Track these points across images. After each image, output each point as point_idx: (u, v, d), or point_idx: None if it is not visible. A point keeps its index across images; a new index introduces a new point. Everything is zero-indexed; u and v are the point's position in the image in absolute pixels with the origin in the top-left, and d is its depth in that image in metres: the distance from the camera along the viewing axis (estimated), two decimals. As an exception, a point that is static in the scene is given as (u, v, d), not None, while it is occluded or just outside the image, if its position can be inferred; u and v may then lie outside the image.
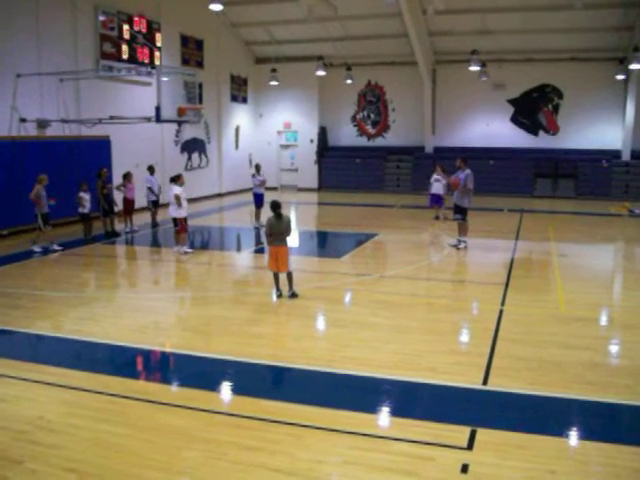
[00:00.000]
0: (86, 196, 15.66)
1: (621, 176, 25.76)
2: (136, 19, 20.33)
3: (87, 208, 15.78)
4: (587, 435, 5.74)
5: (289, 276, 10.44)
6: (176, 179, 14.54)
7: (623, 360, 7.88)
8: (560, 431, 5.76)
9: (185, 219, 14.37)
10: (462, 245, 14.78)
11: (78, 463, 5.16)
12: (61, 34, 17.83)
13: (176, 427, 5.81)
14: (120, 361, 7.86)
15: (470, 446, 5.43)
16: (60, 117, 17.60)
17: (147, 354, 8.06)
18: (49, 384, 6.80)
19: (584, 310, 9.83)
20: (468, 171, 14.45)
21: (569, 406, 6.37)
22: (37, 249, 14.19)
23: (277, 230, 10.28)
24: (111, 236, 16.39)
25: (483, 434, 5.64)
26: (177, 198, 14.11)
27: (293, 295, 10.38)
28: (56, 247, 14.47)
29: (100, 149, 18.99)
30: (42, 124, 17.23)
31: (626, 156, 25.99)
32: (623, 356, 8.04)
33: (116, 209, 16.83)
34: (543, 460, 5.20)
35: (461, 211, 14.70)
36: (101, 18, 18.93)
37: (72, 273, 12.65)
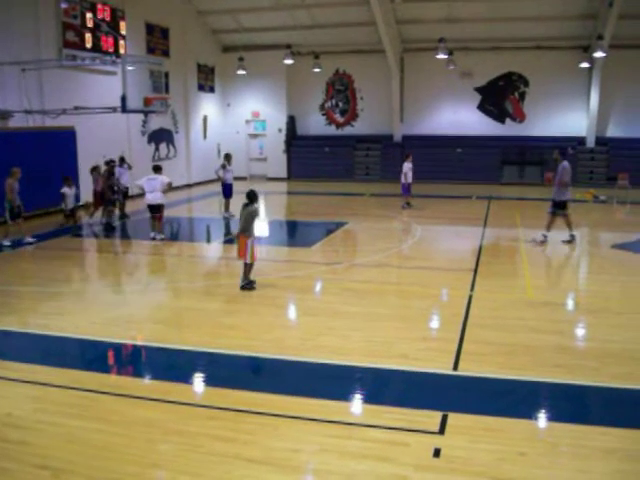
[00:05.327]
0: (69, 191, 15.10)
1: (586, 163, 26.19)
2: (100, 7, 19.95)
3: (70, 204, 15.25)
4: (556, 417, 5.86)
5: (245, 267, 10.28)
6: (160, 169, 14.96)
7: (590, 343, 8.05)
8: (530, 413, 5.88)
9: (163, 206, 14.87)
10: (569, 238, 13.94)
11: (50, 460, 5.10)
12: (22, 22, 17.40)
13: (149, 420, 5.78)
14: (91, 355, 7.78)
15: (442, 430, 5.51)
16: (23, 108, 17.23)
17: (118, 348, 7.98)
18: (17, 381, 6.69)
19: (551, 295, 10.02)
20: (564, 164, 13.78)
21: (538, 389, 6.50)
22: (7, 243, 13.90)
23: (240, 219, 10.31)
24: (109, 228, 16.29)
25: (454, 418, 5.72)
26: (169, 185, 14.79)
27: (242, 287, 10.23)
28: (29, 239, 14.21)
29: (65, 140, 18.65)
30: (4, 115, 16.84)
31: (590, 143, 26.44)
32: (590, 339, 8.22)
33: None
34: (513, 442, 5.30)
35: (560, 205, 13.99)
36: (63, 6, 18.50)
37: (40, 267, 12.45)
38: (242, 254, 10.20)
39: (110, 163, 16.96)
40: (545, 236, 14.03)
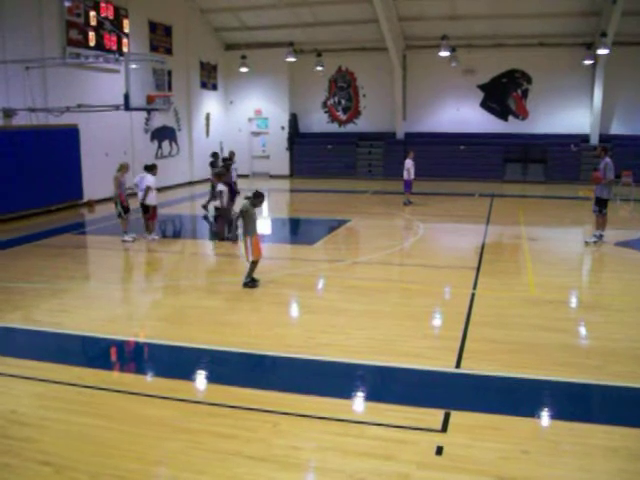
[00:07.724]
0: (224, 188, 14.02)
1: (589, 160, 26.05)
2: (103, 5, 19.96)
3: (225, 203, 14.08)
4: (559, 415, 5.84)
5: (250, 264, 10.30)
6: (152, 168, 14.38)
7: (593, 341, 8.03)
8: (533, 412, 5.86)
9: (155, 207, 14.42)
10: (593, 240, 13.66)
11: (53, 456, 5.11)
12: (26, 21, 17.42)
13: (151, 417, 5.79)
14: (94, 352, 7.78)
15: (444, 428, 5.50)
16: (27, 106, 17.25)
17: (121, 345, 7.99)
18: (21, 377, 6.70)
19: (554, 293, 9.98)
20: (606, 160, 13.40)
21: (541, 387, 6.48)
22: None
23: None
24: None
25: (457, 416, 5.71)
26: (147, 189, 13.98)
27: (245, 285, 10.21)
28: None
29: (68, 138, 18.68)
30: (8, 113, 16.87)
31: (594, 140, 26.31)
32: (593, 337, 8.20)
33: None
34: (516, 441, 5.29)
35: (600, 203, 13.58)
36: (67, 4, 18.52)
37: (44, 264, 12.43)
38: (245, 253, 10.25)
39: (227, 161, 17.07)
40: (601, 235, 13.78)
